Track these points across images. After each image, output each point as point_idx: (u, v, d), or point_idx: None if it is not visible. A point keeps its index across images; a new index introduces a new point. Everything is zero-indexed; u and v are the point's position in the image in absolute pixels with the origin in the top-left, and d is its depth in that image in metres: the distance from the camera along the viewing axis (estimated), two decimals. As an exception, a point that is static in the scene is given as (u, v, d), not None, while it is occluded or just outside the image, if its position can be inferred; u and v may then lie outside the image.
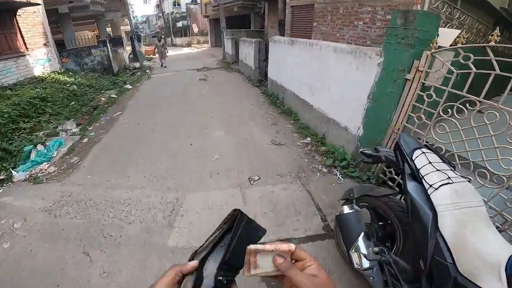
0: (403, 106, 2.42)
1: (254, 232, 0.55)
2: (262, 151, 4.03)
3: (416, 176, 1.32)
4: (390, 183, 2.84)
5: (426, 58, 2.14)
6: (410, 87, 2.29)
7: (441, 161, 1.35)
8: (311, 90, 4.43)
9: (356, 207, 1.57)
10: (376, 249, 1.50)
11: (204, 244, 0.54)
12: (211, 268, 0.49)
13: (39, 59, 7.57)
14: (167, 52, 12.93)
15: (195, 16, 29.53)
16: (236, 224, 0.51)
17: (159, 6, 35.05)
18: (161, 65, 12.57)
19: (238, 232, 0.50)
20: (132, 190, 3.17)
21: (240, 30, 13.49)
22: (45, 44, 7.88)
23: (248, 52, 8.87)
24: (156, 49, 13.07)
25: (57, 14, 10.04)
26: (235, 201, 2.90)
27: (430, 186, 1.22)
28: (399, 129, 2.56)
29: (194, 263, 0.50)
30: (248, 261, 0.48)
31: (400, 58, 2.33)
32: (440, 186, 1.19)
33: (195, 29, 29.60)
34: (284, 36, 7.65)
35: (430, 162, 1.30)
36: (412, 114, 2.36)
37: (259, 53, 8.02)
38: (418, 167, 1.32)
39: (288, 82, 5.52)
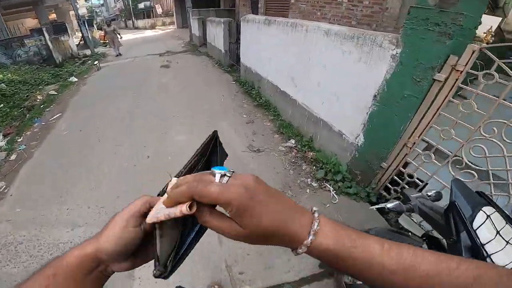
0: (424, 114, 1.78)
1: (222, 157, 0.51)
2: (237, 161, 3.29)
3: (479, 251, 0.97)
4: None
5: (472, 54, 1.50)
6: (440, 91, 1.65)
7: (504, 220, 1.00)
8: (294, 82, 3.68)
9: None
10: None
11: (182, 170, 0.45)
12: None
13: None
14: (120, 37, 10.82)
15: (159, -4, 26.75)
16: (215, 148, 0.48)
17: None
18: (116, 54, 10.71)
19: (217, 157, 0.48)
20: (73, 228, 2.49)
21: (208, 9, 12.10)
22: (-42, 39, 6.49)
23: (216, 34, 7.81)
24: (106, 35, 11.09)
25: (-21, 4, 8.38)
26: (206, 239, 2.18)
27: None
28: (414, 143, 1.95)
29: None
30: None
31: (429, 51, 1.65)
32: None
33: (159, 10, 27.00)
34: (257, 15, 6.68)
35: (498, 232, 0.97)
36: (437, 127, 1.74)
37: (230, 34, 7.06)
38: (483, 241, 0.97)
39: (264, 69, 4.70)
